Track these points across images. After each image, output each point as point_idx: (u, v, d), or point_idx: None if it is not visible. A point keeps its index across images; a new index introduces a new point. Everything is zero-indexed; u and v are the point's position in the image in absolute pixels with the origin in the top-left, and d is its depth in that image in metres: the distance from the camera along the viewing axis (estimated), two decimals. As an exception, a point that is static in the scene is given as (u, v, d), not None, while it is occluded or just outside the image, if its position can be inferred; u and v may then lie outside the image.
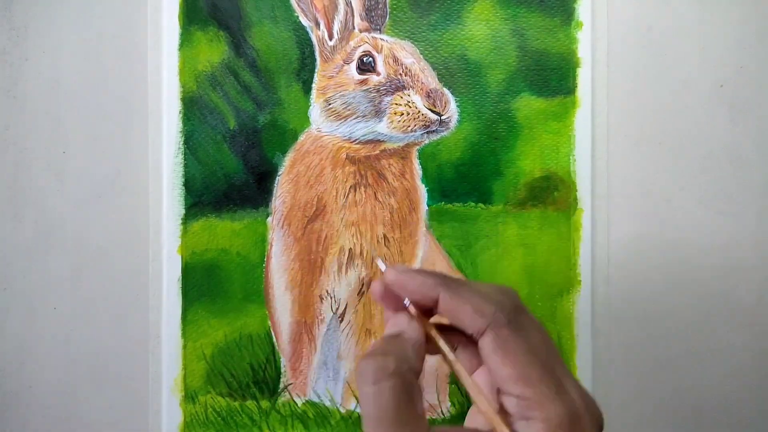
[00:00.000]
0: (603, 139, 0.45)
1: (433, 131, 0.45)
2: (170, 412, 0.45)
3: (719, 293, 0.46)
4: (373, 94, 0.44)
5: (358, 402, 0.45)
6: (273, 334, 0.45)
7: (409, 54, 0.45)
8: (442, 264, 0.45)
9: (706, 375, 0.46)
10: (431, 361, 0.45)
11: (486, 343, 0.26)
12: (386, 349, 0.27)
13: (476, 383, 0.27)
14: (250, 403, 0.45)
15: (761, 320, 0.46)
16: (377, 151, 0.45)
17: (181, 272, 0.45)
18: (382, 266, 0.29)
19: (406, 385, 0.26)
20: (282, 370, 0.45)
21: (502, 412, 0.26)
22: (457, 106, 0.45)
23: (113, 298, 0.46)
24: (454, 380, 0.45)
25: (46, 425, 0.46)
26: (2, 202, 0.46)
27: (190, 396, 0.45)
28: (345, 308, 0.45)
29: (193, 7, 0.45)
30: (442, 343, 0.28)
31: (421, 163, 0.45)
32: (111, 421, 0.46)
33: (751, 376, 0.46)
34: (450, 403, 0.45)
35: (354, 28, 0.45)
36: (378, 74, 0.44)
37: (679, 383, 0.46)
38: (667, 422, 0.46)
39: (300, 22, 0.45)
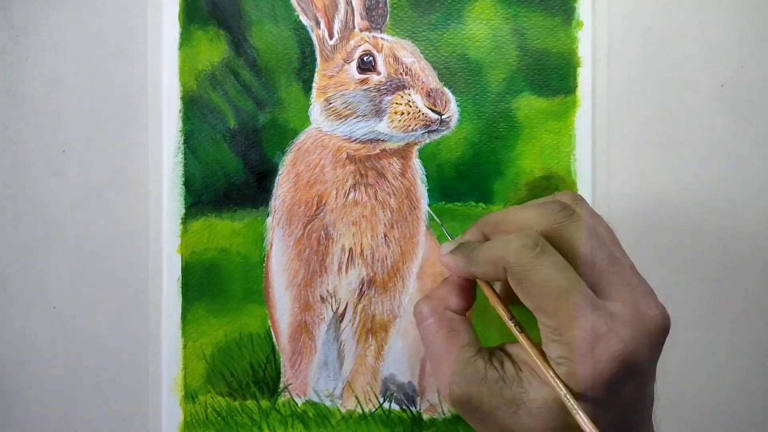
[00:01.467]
0: (603, 139, 0.45)
1: (434, 130, 0.44)
2: (170, 411, 0.45)
3: (719, 293, 0.46)
4: (373, 94, 0.44)
5: (358, 401, 0.45)
6: (273, 333, 0.45)
7: (409, 53, 0.45)
8: (443, 263, 0.45)
9: (708, 364, 0.46)
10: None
11: (511, 284, 0.31)
12: (432, 293, 0.34)
13: (509, 315, 0.32)
14: (250, 403, 0.45)
15: (761, 319, 0.46)
16: (377, 151, 0.45)
17: (181, 272, 0.45)
18: (444, 248, 0.36)
19: (445, 322, 0.32)
20: (282, 370, 0.45)
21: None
22: (458, 105, 0.45)
23: (113, 298, 0.46)
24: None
25: (45, 424, 0.46)
26: (1, 200, 0.46)
27: (190, 395, 0.45)
28: (345, 308, 0.45)
29: (193, 6, 0.45)
30: (488, 293, 0.33)
31: (421, 163, 0.45)
32: (110, 421, 0.45)
33: (752, 368, 0.46)
34: (450, 403, 0.45)
35: (354, 27, 0.45)
36: (378, 73, 0.44)
37: (680, 371, 0.46)
38: (669, 406, 0.46)
39: (300, 21, 0.45)
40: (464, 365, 0.31)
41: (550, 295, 0.28)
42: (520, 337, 0.31)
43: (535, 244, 0.29)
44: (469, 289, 0.34)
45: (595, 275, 0.30)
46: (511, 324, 0.31)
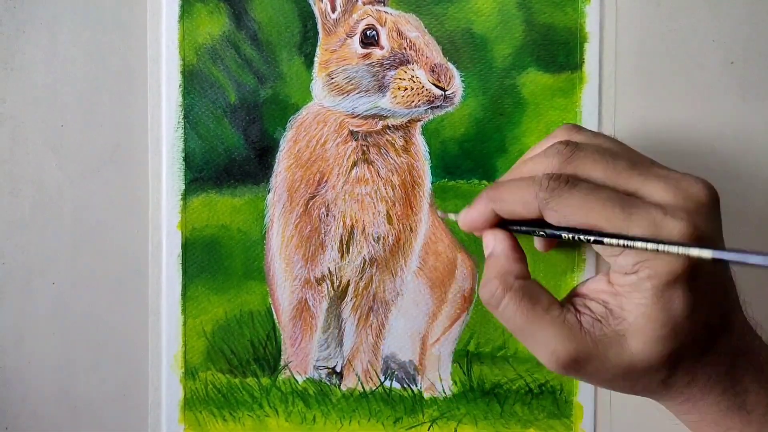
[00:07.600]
0: (610, 116, 0.44)
1: (438, 107, 0.44)
2: (170, 388, 0.45)
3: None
4: (376, 69, 0.43)
5: (359, 379, 0.45)
6: (274, 311, 0.45)
7: (413, 27, 0.44)
8: (445, 242, 0.45)
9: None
10: (432, 340, 0.45)
11: (546, 214, 0.30)
12: (488, 274, 0.32)
13: None
14: (250, 380, 0.45)
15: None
16: (379, 127, 0.44)
17: (181, 248, 0.45)
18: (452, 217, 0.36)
19: (518, 292, 0.30)
20: (283, 348, 0.45)
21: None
22: (462, 81, 0.44)
23: (112, 274, 0.45)
24: (457, 359, 0.45)
25: (45, 401, 0.45)
26: None
27: (190, 372, 0.45)
28: (347, 286, 0.45)
29: (193, -22, 0.44)
30: (525, 231, 0.33)
31: (424, 140, 0.44)
32: (111, 397, 0.45)
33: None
34: (452, 382, 0.45)
35: (357, 0, 0.44)
36: (381, 48, 0.44)
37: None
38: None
39: (302, -7, 0.44)
40: (558, 327, 0.29)
41: (595, 207, 0.28)
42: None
43: (559, 176, 0.30)
44: (519, 247, 0.33)
45: (623, 184, 0.29)
46: (581, 237, 0.30)
